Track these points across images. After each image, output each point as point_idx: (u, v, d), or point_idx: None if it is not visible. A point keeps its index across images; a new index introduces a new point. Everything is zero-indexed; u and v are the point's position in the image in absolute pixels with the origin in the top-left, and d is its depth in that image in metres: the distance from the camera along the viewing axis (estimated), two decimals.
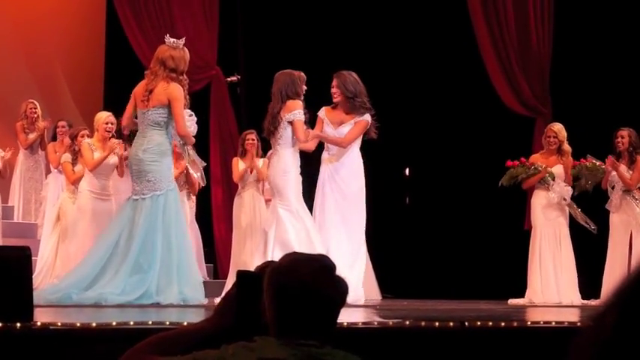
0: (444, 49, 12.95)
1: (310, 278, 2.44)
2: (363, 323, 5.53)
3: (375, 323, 5.66)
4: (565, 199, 10.60)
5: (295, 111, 8.93)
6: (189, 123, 8.78)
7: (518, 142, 11.99)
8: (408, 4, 13.20)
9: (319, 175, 9.49)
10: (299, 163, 9.13)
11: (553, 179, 10.66)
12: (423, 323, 5.45)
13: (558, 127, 10.82)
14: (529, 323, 5.83)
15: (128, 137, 12.49)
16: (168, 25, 13.43)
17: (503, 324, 5.49)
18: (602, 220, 10.71)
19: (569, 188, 10.64)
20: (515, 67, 12.66)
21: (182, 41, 8.59)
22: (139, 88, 8.54)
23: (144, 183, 8.43)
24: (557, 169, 10.69)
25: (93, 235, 10.31)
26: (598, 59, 12.27)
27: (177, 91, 8.36)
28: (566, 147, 10.73)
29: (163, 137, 8.48)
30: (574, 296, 10.58)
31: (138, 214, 8.40)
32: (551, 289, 10.59)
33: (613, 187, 10.65)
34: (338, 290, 2.49)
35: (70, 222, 10.76)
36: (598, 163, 10.66)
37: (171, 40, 8.57)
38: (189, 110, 8.87)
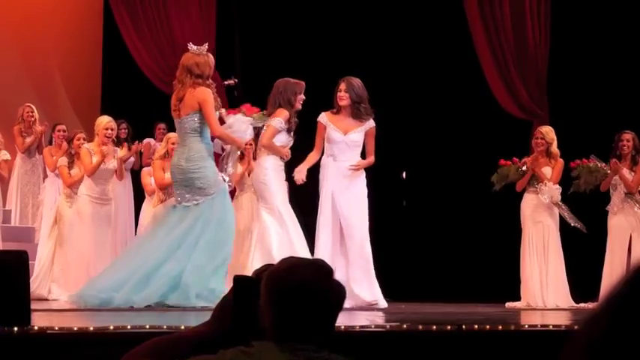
0: (440, 52, 12.96)
1: (308, 282, 2.44)
2: (361, 327, 5.54)
3: (373, 326, 5.66)
4: (554, 199, 10.59)
5: (276, 118, 9.02)
6: (244, 126, 8.88)
7: (515, 145, 11.98)
8: (405, 7, 13.21)
9: (325, 181, 9.44)
10: (282, 167, 9.18)
11: (537, 182, 10.67)
12: (420, 327, 5.45)
13: (546, 129, 10.84)
14: (526, 326, 5.83)
15: (124, 140, 12.52)
16: (165, 28, 13.45)
17: (500, 327, 5.50)
18: (600, 222, 10.71)
19: (558, 188, 10.64)
20: (512, 70, 12.66)
21: (205, 47, 8.67)
22: (172, 100, 8.62)
23: (194, 190, 8.50)
24: (545, 171, 10.70)
25: (92, 240, 10.32)
26: (595, 62, 12.28)
27: (204, 94, 8.44)
28: (555, 149, 10.73)
29: (202, 142, 8.54)
30: (560, 300, 10.56)
31: (192, 217, 8.46)
32: (537, 293, 10.59)
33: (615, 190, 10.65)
34: (336, 294, 2.49)
35: (66, 226, 10.76)
36: (600, 165, 10.64)
37: (195, 47, 8.64)
38: (241, 116, 8.95)
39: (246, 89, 13.25)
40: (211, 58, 8.65)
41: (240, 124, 8.89)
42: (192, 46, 8.68)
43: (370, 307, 9.04)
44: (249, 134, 9.01)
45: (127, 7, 13.45)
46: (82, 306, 8.11)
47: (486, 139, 12.53)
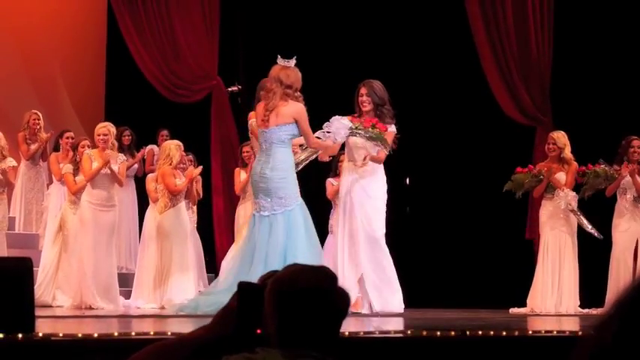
0: (444, 58, 12.96)
1: (312, 288, 2.44)
2: (365, 333, 5.53)
3: (377, 333, 5.66)
4: (571, 205, 10.56)
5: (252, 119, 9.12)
6: (340, 128, 9.03)
7: (519, 151, 11.99)
8: (410, 15, 13.21)
9: (344, 185, 9.45)
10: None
11: (554, 188, 10.66)
12: (424, 332, 5.45)
13: (557, 135, 10.81)
14: (530, 332, 5.83)
15: (128, 147, 12.53)
16: (169, 36, 13.46)
17: (504, 333, 5.49)
18: (605, 228, 10.70)
19: (575, 195, 10.61)
20: (515, 76, 12.66)
21: (293, 61, 8.74)
22: (259, 109, 8.65)
23: (275, 200, 8.51)
24: (560, 177, 10.68)
25: (94, 246, 10.31)
26: (598, 68, 12.28)
27: (301, 110, 8.55)
28: (568, 154, 10.70)
29: (287, 154, 8.61)
30: (570, 306, 10.55)
31: (274, 229, 8.48)
32: (549, 299, 10.58)
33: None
34: (340, 301, 2.49)
35: (71, 232, 10.76)
36: (608, 169, 10.62)
37: (284, 59, 8.73)
38: (345, 119, 9.13)
39: (249, 96, 13.28)
40: (299, 73, 8.72)
41: (339, 124, 8.99)
42: (281, 59, 8.76)
43: (374, 315, 9.05)
44: (340, 137, 9.06)
45: (131, 14, 13.46)
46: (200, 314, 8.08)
47: (490, 146, 12.53)
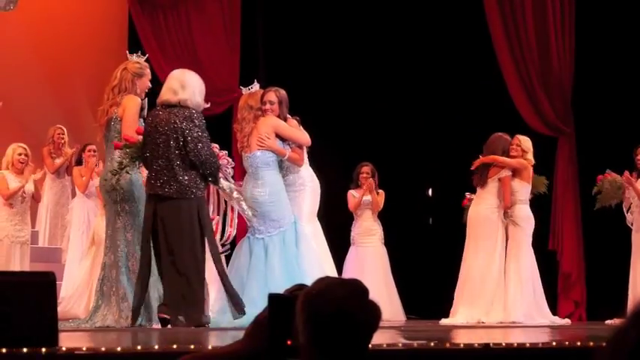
0: (465, 68, 12.95)
1: (344, 302, 2.43)
2: (388, 345, 5.52)
3: (400, 345, 5.65)
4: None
5: None
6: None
7: (540, 161, 11.96)
8: (431, 26, 13.22)
9: None
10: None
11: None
12: (447, 344, 5.44)
13: (522, 137, 10.80)
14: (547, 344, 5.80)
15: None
16: (190, 50, 13.52)
17: (528, 345, 5.47)
18: (625, 237, 10.67)
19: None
20: (536, 86, 12.64)
21: (257, 84, 9.17)
22: (239, 138, 8.91)
23: (268, 222, 8.67)
24: (514, 184, 10.66)
25: None
26: (619, 76, 12.24)
27: (276, 122, 8.78)
28: (529, 158, 10.68)
29: (275, 175, 8.77)
30: (512, 315, 10.33)
31: (271, 251, 8.58)
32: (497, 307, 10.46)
33: (629, 207, 10.62)
34: (372, 315, 2.49)
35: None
36: (616, 179, 10.62)
37: (246, 87, 9.19)
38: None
39: None
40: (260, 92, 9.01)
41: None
42: (244, 89, 9.15)
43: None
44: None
45: (152, 28, 13.54)
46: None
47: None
